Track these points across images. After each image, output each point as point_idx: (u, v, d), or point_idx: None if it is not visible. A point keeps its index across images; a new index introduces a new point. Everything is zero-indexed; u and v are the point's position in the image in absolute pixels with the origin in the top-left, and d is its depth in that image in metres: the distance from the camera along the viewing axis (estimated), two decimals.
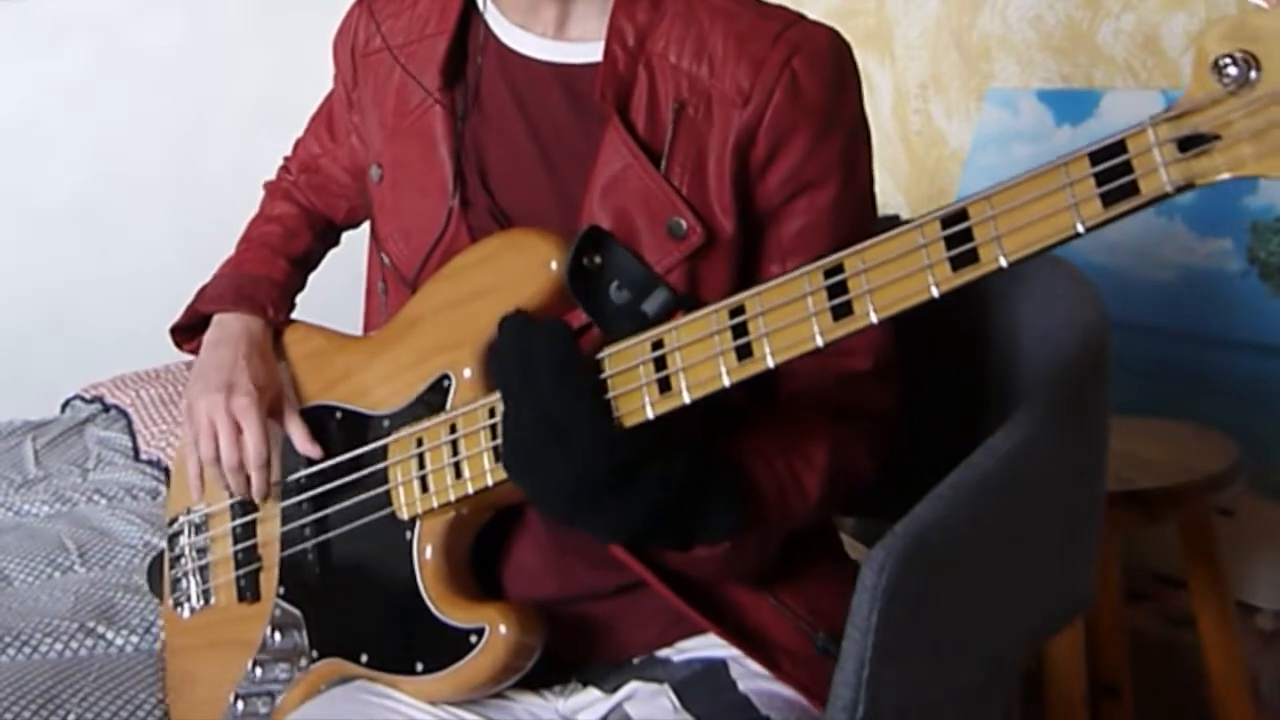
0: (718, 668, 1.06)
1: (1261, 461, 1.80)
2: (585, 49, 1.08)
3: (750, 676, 1.05)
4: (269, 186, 1.36)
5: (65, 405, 2.65)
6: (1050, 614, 1.13)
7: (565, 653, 1.07)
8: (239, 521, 1.21)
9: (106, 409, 2.53)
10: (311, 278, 1.34)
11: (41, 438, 2.44)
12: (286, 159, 1.36)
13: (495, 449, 0.99)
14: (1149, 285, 1.98)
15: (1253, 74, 0.72)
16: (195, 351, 1.28)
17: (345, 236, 1.37)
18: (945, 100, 2.44)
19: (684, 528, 0.95)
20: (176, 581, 1.26)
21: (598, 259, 0.94)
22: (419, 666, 1.05)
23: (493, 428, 0.99)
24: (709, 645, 1.07)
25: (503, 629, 1.01)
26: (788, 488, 1.00)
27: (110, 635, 1.63)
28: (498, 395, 0.99)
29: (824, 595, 1.07)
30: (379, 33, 1.17)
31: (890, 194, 2.54)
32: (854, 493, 1.07)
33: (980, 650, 1.03)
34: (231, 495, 1.21)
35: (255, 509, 1.20)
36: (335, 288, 1.47)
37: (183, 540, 1.26)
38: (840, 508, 1.06)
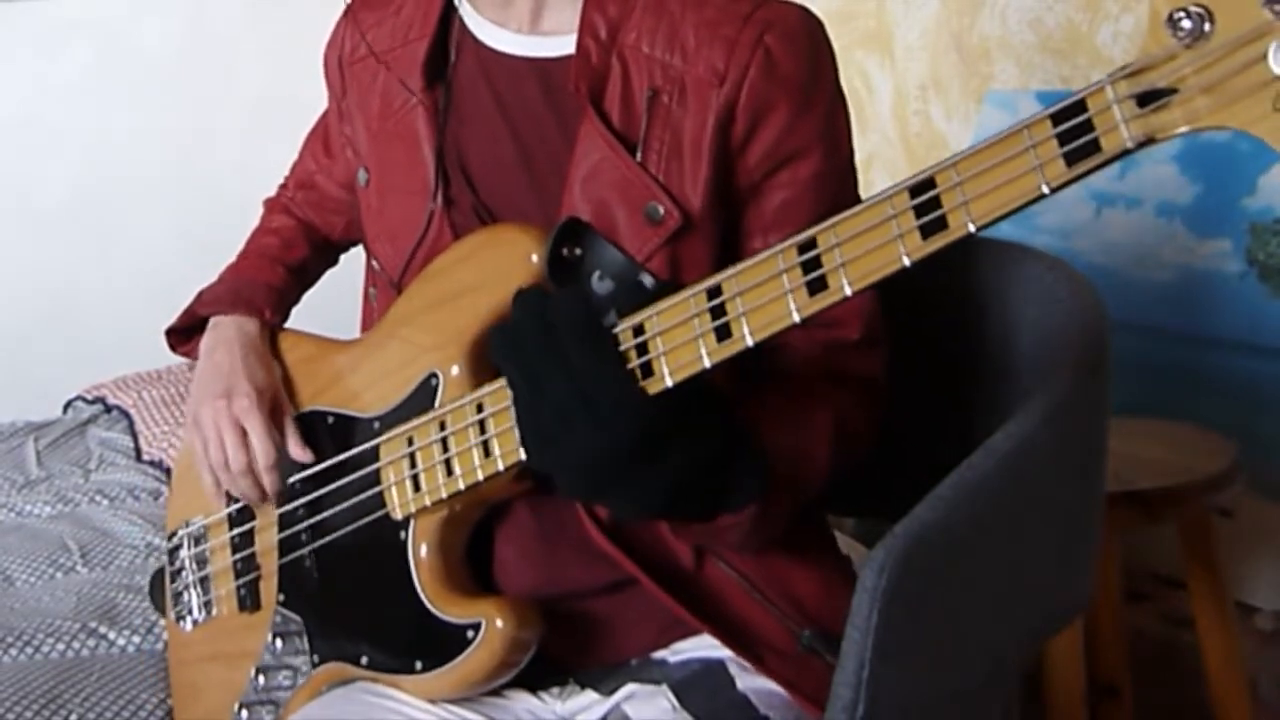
0: (716, 667, 1.06)
1: (1260, 462, 1.81)
2: (559, 42, 1.08)
3: (750, 675, 1.05)
4: (268, 203, 1.37)
5: (67, 406, 2.66)
6: (1050, 614, 1.13)
7: (561, 654, 1.07)
8: (237, 531, 1.21)
9: (108, 410, 2.54)
10: (317, 290, 1.35)
11: (43, 439, 2.44)
12: (285, 178, 1.37)
13: (484, 444, 0.99)
14: (1148, 286, 1.98)
15: (1206, 26, 0.73)
16: (188, 355, 1.29)
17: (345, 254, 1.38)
18: (945, 102, 2.45)
19: (709, 497, 0.94)
20: (178, 595, 1.27)
21: (577, 250, 0.94)
22: (418, 665, 1.05)
23: (480, 423, 0.99)
24: (706, 646, 1.07)
25: (499, 623, 1.02)
26: (798, 454, 1.00)
27: (112, 635, 1.64)
28: (485, 390, 0.99)
29: (812, 593, 1.07)
30: (363, 40, 1.18)
31: None
32: (855, 458, 1.07)
33: (980, 650, 1.03)
34: (229, 504, 1.21)
35: (252, 517, 1.20)
36: (338, 300, 1.47)
37: (183, 553, 1.26)
38: (842, 474, 1.06)
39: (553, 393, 0.87)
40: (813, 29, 1.05)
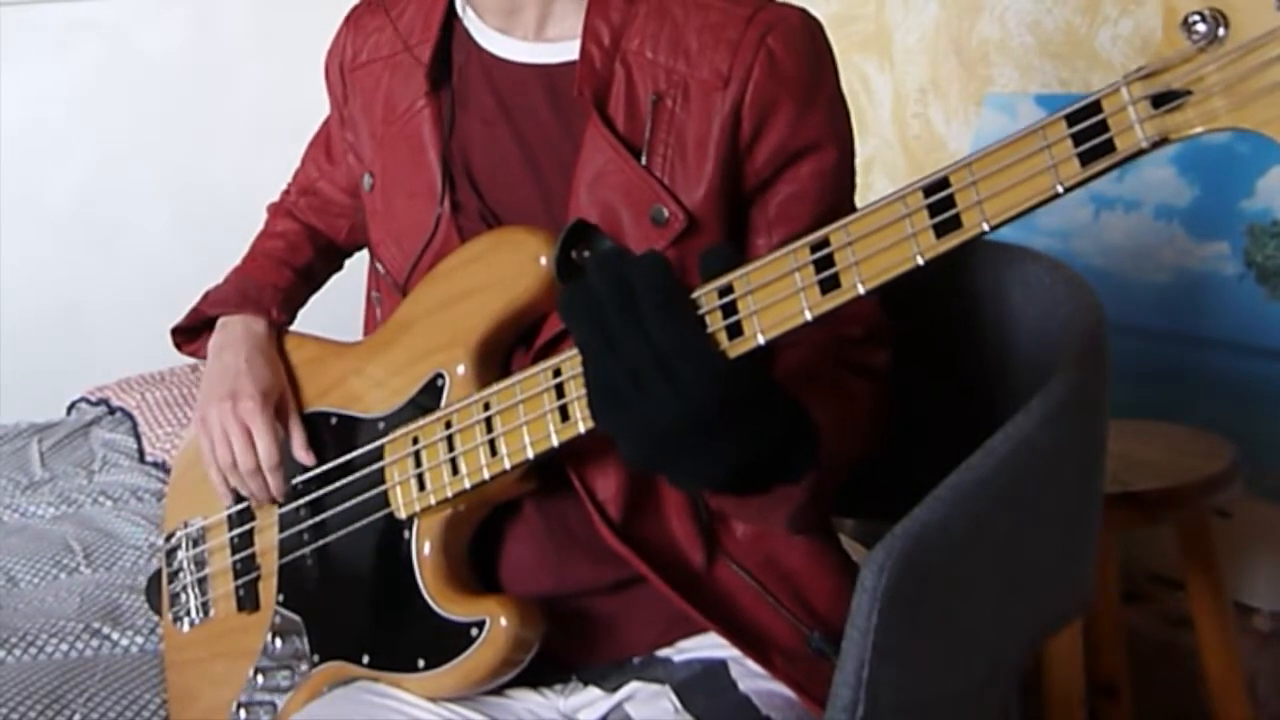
0: (718, 668, 1.07)
1: (1259, 463, 1.81)
2: (564, 48, 1.10)
3: (751, 676, 1.06)
4: (271, 208, 1.38)
5: (71, 407, 2.66)
6: (1050, 615, 1.13)
7: (565, 651, 1.08)
8: (236, 531, 1.21)
9: (112, 411, 2.55)
10: (318, 297, 1.36)
11: (47, 440, 2.45)
12: (288, 184, 1.38)
13: (491, 443, 1.00)
14: (1147, 288, 1.99)
15: (1220, 30, 0.74)
16: (194, 354, 1.31)
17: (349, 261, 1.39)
18: (944, 105, 2.45)
19: (768, 469, 0.93)
20: (175, 596, 1.27)
21: (586, 252, 0.95)
22: (421, 663, 1.06)
23: (487, 422, 1.00)
24: (709, 645, 1.08)
25: (503, 621, 1.02)
26: (836, 431, 0.98)
27: (115, 636, 1.65)
28: (492, 389, 1.00)
29: (821, 595, 1.08)
30: (365, 47, 1.19)
31: None
32: (872, 449, 1.07)
33: (980, 651, 1.04)
34: (230, 504, 1.22)
35: (252, 518, 1.20)
36: (339, 304, 1.48)
37: (180, 554, 1.27)
38: (860, 465, 1.06)
39: (629, 353, 0.84)
40: (813, 30, 1.07)
